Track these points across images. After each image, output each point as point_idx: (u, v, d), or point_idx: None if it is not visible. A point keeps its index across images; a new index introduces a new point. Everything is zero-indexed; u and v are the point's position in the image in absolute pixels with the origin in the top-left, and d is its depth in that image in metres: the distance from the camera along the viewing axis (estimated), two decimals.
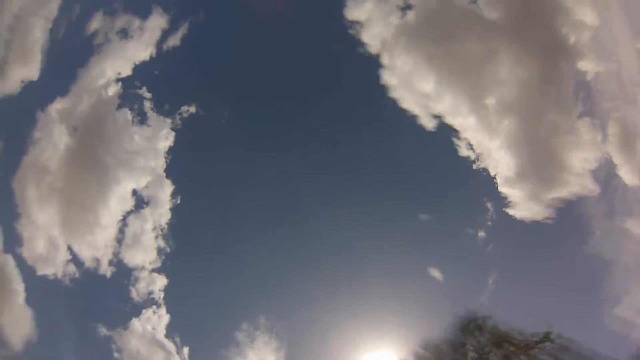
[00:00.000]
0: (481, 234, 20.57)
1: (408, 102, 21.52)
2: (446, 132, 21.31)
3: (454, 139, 21.01)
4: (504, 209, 20.32)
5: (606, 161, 19.78)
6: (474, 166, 20.87)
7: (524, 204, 20.26)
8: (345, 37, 22.14)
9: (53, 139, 22.41)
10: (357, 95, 22.73)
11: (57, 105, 22.47)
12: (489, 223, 20.61)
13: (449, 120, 21.28)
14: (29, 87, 22.33)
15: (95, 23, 22.23)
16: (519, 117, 21.05)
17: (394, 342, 17.14)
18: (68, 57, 22.91)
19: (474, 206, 21.36)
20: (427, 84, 21.70)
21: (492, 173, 20.95)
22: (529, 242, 20.30)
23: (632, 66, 20.38)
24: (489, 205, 20.94)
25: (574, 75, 20.81)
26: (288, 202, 22.11)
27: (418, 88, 21.80)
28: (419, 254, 20.56)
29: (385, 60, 21.84)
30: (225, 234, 22.88)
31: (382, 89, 21.60)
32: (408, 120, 21.37)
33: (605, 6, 20.80)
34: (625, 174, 19.58)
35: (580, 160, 20.25)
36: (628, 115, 20.33)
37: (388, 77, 21.69)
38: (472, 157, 20.99)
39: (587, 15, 20.93)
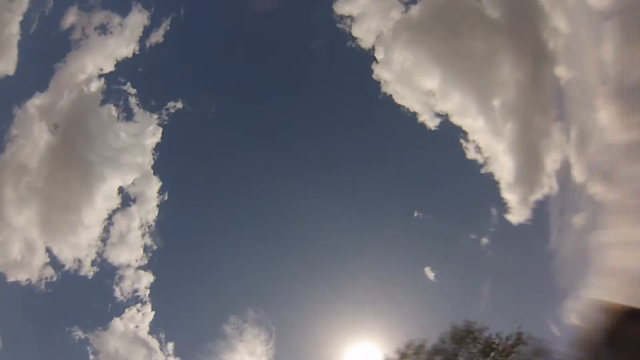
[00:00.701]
0: (484, 240, 20.89)
1: (408, 100, 21.31)
2: (449, 131, 21.25)
3: (462, 140, 20.97)
4: (504, 215, 20.71)
5: (566, 162, 20.66)
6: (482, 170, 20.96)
7: (517, 209, 20.81)
8: (339, 32, 22.14)
9: (32, 136, 21.30)
10: (352, 92, 22.94)
11: (36, 101, 21.20)
12: (492, 229, 21.06)
13: (456, 120, 21.22)
14: (5, 82, 20.89)
15: (71, 18, 21.11)
16: (518, 120, 21.48)
17: (384, 339, 18.17)
18: (44, 51, 21.39)
19: (477, 211, 21.83)
20: (431, 82, 21.41)
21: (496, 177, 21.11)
22: (520, 245, 21.19)
23: (593, 74, 20.94)
24: (492, 211, 21.18)
25: (553, 80, 21.35)
26: (276, 199, 22.49)
27: (419, 86, 21.57)
28: (414, 255, 21.37)
29: (380, 56, 21.67)
30: (213, 229, 23.35)
31: (378, 86, 21.57)
32: (408, 118, 21.33)
33: (575, 14, 21.19)
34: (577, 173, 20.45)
35: (551, 162, 21.08)
36: (585, 120, 21.18)
37: (384, 74, 21.49)
38: (480, 160, 21.05)
39: (561, 23, 21.40)
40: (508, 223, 20.66)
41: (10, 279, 20.92)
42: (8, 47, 20.57)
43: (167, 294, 22.59)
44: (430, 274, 20.96)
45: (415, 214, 21.76)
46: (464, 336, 13.45)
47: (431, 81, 21.65)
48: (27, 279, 20.97)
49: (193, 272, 23.07)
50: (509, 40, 21.98)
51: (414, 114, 21.43)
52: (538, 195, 20.80)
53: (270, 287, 22.04)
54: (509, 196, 21.00)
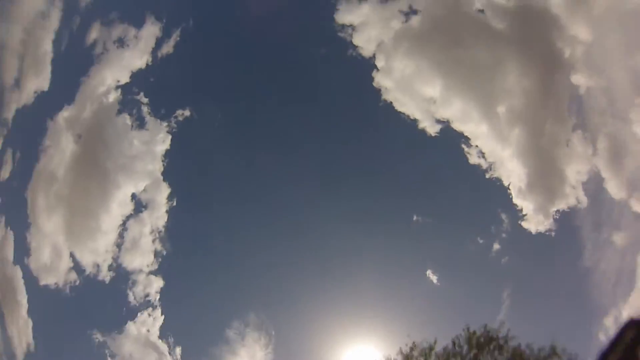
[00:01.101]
0: (496, 245, 20.31)
1: (409, 107, 21.25)
2: (451, 137, 21.04)
3: (464, 146, 20.65)
4: (519, 222, 20.08)
5: (595, 175, 19.82)
6: (487, 175, 20.50)
7: (535, 217, 20.07)
8: (340, 41, 22.32)
9: (61, 146, 22.54)
10: (352, 99, 23.06)
11: (65, 114, 22.69)
12: (504, 235, 20.41)
13: (457, 126, 21.01)
14: (41, 97, 22.54)
15: (94, 33, 22.74)
16: (527, 126, 20.93)
17: (386, 344, 17.02)
18: (72, 66, 23.34)
19: (485, 216, 21.28)
20: (432, 90, 21.44)
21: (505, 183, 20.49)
22: (539, 254, 20.41)
23: (623, 82, 20.47)
24: (503, 216, 20.62)
25: (569, 88, 20.87)
26: (282, 204, 22.48)
27: (420, 93, 21.56)
28: (414, 259, 20.90)
29: (381, 64, 21.73)
30: (219, 234, 23.31)
31: (378, 93, 21.57)
32: (408, 125, 21.18)
33: (599, 23, 20.86)
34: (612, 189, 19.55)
35: (574, 173, 20.21)
36: (616, 130, 20.37)
37: (384, 81, 21.47)
38: (484, 165, 20.61)
39: (581, 31, 21.09)
40: (524, 230, 19.96)
41: (42, 282, 21.64)
42: (43, 64, 22.52)
43: (176, 298, 22.62)
44: (432, 277, 20.37)
45: (415, 218, 21.37)
46: (484, 342, 11.91)
47: (432, 89, 21.80)
48: (55, 283, 21.61)
49: (200, 277, 23.17)
50: (515, 50, 21.99)
51: (415, 120, 21.45)
52: (561, 205, 19.91)
53: (272, 290, 21.86)
54: (523, 203, 20.27)
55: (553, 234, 19.75)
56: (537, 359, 11.59)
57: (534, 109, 21.33)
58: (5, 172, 22.20)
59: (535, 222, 19.90)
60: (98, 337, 21.09)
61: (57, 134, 22.61)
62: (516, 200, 20.44)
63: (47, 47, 22.37)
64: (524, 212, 20.15)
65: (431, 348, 12.29)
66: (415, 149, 22.44)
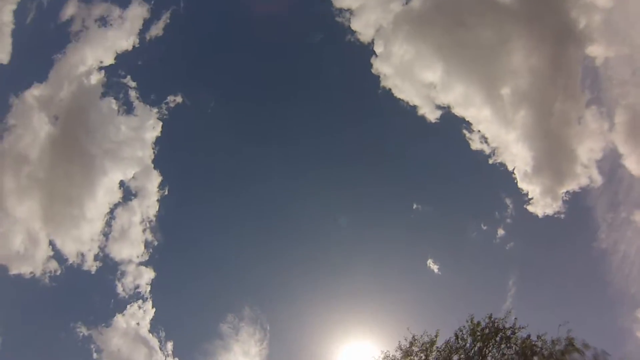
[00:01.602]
0: (500, 231, 19.78)
1: (408, 94, 20.75)
2: (453, 124, 20.49)
3: (465, 132, 20.11)
4: (524, 206, 19.42)
5: (611, 151, 18.91)
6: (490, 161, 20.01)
7: (541, 200, 19.28)
8: (338, 26, 21.71)
9: (32, 126, 21.03)
10: (350, 86, 22.27)
11: (35, 92, 21.14)
12: (509, 220, 19.87)
13: (458, 111, 20.31)
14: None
15: (70, 9, 21.40)
16: (534, 107, 19.98)
17: (384, 336, 16.21)
18: (41, 42, 21.91)
19: (488, 201, 20.84)
20: (432, 75, 20.73)
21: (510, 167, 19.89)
22: (546, 238, 19.66)
23: None
24: (507, 201, 20.11)
25: (584, 61, 19.79)
26: (276, 193, 21.89)
27: (420, 79, 20.87)
28: (415, 248, 20.47)
29: (380, 49, 21.10)
30: (213, 225, 22.69)
31: (377, 80, 20.98)
32: (407, 111, 20.75)
33: None
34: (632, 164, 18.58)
35: (587, 151, 19.32)
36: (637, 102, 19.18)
37: (383, 68, 20.98)
38: (487, 150, 20.02)
39: None
40: (530, 214, 19.15)
41: (13, 271, 20.31)
42: (1, 36, 20.75)
43: (168, 290, 21.93)
44: (433, 266, 19.77)
45: (415, 206, 20.85)
46: (489, 334, 10.64)
47: (432, 74, 20.94)
48: (31, 272, 20.36)
49: (193, 269, 22.44)
50: (523, 26, 20.67)
51: (414, 107, 20.75)
52: (571, 186, 18.99)
53: (267, 283, 21.26)
54: (529, 187, 19.45)
55: (562, 216, 18.94)
56: (551, 353, 10.26)
57: (541, 88, 20.20)
58: None
59: (543, 205, 19.09)
60: (82, 330, 20.06)
61: (25, 112, 21.25)
62: (521, 184, 19.67)
63: (7, 17, 20.94)
64: (529, 196, 19.40)
65: (432, 342, 11.10)
66: (415, 136, 21.86)
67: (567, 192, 19.07)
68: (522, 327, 10.66)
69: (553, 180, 19.30)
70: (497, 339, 10.63)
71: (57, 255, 20.67)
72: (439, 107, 20.54)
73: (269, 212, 22.07)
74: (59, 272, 20.54)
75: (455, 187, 21.22)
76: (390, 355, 11.33)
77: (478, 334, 10.74)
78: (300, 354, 19.74)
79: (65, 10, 21.45)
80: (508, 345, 10.64)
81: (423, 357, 10.88)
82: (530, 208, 19.28)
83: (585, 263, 19.03)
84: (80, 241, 20.94)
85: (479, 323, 10.89)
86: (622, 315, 16.90)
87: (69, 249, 20.80)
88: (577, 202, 19.01)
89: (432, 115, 20.59)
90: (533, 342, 10.51)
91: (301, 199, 21.28)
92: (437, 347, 10.94)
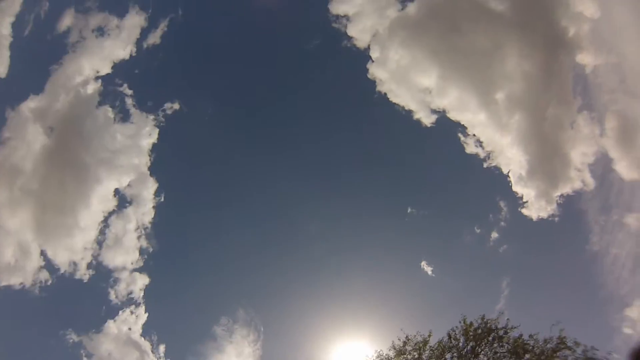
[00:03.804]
0: (494, 234, 20.02)
1: (403, 98, 20.88)
2: (448, 128, 20.71)
3: (460, 135, 20.29)
4: (518, 209, 19.66)
5: (602, 155, 19.23)
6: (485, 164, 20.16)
7: (536, 203, 19.57)
8: (334, 32, 21.85)
9: (26, 138, 20.98)
10: (346, 91, 22.49)
11: (30, 104, 21.27)
12: (503, 224, 20.07)
13: (453, 115, 20.55)
14: None
15: (67, 20, 21.55)
16: (528, 112, 20.35)
17: (378, 337, 16.30)
18: (39, 53, 22.07)
19: (482, 205, 20.97)
20: (427, 80, 20.97)
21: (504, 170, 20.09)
22: (540, 241, 19.92)
23: (635, 58, 19.57)
24: (502, 204, 20.33)
25: (574, 69, 20.22)
26: (274, 198, 21.95)
27: (415, 84, 21.06)
28: (409, 251, 20.58)
29: (376, 55, 21.30)
30: (207, 229, 22.65)
31: (373, 85, 21.14)
32: (403, 116, 20.91)
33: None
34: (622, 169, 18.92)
35: (579, 155, 19.65)
36: (627, 108, 19.55)
37: (379, 73, 21.13)
38: (482, 154, 20.22)
39: (588, 7, 20.24)
40: (524, 217, 19.37)
41: (3, 282, 20.09)
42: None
43: (161, 295, 21.83)
44: (427, 268, 19.88)
45: (409, 210, 21.02)
46: (482, 334, 10.65)
47: (428, 79, 21.23)
48: (21, 283, 20.14)
49: (187, 273, 22.47)
50: (516, 33, 21.14)
51: (410, 111, 20.98)
52: (565, 189, 19.25)
53: (261, 285, 21.33)
54: (523, 190, 19.72)
55: (556, 219, 19.16)
56: (542, 351, 10.29)
57: (535, 93, 20.63)
58: None
59: (537, 208, 19.34)
60: (72, 337, 19.91)
61: (20, 124, 21.29)
62: (516, 187, 19.91)
63: (4, 30, 21.08)
64: (524, 199, 19.61)
65: (425, 342, 11.11)
66: (411, 140, 22.10)
67: (561, 195, 19.40)
68: (515, 327, 10.74)
69: (547, 183, 19.64)
70: (490, 338, 10.64)
71: (48, 266, 20.56)
72: (434, 111, 20.93)
73: (264, 217, 22.18)
74: (49, 282, 20.41)
75: (450, 190, 21.50)
76: (384, 355, 11.39)
77: (471, 333, 10.79)
78: (294, 354, 19.82)
79: (62, 21, 21.67)
80: (500, 344, 10.69)
81: (416, 356, 10.97)
82: (524, 211, 19.52)
83: (578, 265, 19.45)
84: (73, 250, 20.86)
85: (471, 323, 10.94)
86: (612, 314, 17.19)
87: (61, 259, 20.71)
88: (570, 205, 19.34)
89: (428, 120, 20.93)
90: (525, 341, 10.54)
91: (296, 203, 21.38)
92: (430, 347, 10.97)
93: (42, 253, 20.61)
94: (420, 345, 10.99)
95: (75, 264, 20.55)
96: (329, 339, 18.46)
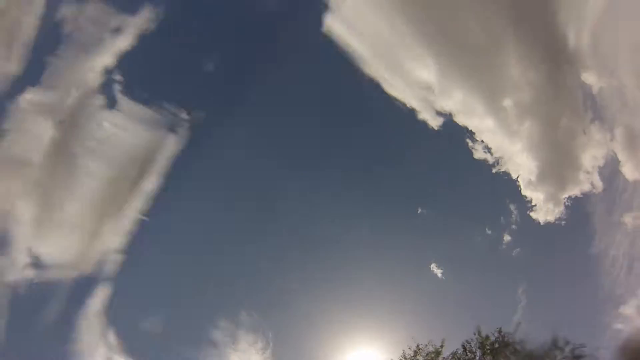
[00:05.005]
0: (506, 237, 19.79)
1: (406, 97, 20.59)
2: (457, 132, 20.41)
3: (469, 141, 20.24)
4: (528, 212, 19.75)
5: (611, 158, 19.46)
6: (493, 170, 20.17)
7: (544, 206, 19.65)
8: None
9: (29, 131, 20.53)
10: (355, 92, 21.60)
11: (27, 96, 20.20)
12: (514, 227, 19.89)
13: (461, 120, 20.31)
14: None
15: (66, 12, 20.53)
16: (538, 120, 20.38)
17: (391, 344, 15.37)
18: (46, 48, 21.36)
19: (493, 209, 20.61)
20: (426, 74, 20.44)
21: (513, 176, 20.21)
22: (549, 244, 19.60)
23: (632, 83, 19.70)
24: (512, 208, 20.16)
25: (582, 86, 20.00)
26: (277, 197, 21.20)
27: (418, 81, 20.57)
28: (419, 254, 19.89)
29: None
30: (207, 227, 21.74)
31: (376, 84, 20.46)
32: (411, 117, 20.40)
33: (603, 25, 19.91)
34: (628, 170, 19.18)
35: (590, 158, 19.84)
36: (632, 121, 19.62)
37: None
38: (490, 160, 20.20)
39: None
40: (533, 221, 19.51)
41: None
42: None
43: (156, 295, 20.59)
44: (437, 271, 19.51)
45: (419, 211, 20.61)
46: (500, 347, 10.21)
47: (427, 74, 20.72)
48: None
49: (184, 274, 21.15)
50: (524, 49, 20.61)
51: (413, 111, 20.59)
52: (574, 191, 19.51)
53: (267, 286, 20.09)
54: (533, 194, 19.95)
55: (563, 222, 19.31)
56: (540, 356, 9.96)
57: (544, 102, 20.64)
58: None
59: (545, 211, 19.52)
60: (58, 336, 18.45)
61: (19, 117, 20.45)
62: (525, 191, 20.01)
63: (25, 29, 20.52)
64: (533, 203, 19.75)
65: (438, 352, 10.60)
66: (416, 141, 21.53)
67: (569, 197, 19.56)
68: (528, 340, 10.28)
69: (556, 186, 19.80)
70: (507, 352, 10.21)
71: (36, 263, 19.49)
72: (439, 113, 20.62)
73: (270, 215, 21.47)
74: (35, 281, 19.31)
75: (459, 192, 21.10)
76: None
77: (487, 347, 10.32)
78: None
79: (61, 13, 20.98)
80: (515, 356, 10.24)
81: None
82: (533, 214, 19.65)
83: (582, 267, 19.21)
84: (63, 248, 19.91)
85: (487, 337, 10.47)
86: (619, 316, 16.75)
87: (51, 257, 19.68)
88: (578, 207, 19.45)
89: (435, 122, 20.62)
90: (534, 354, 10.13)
91: (307, 203, 20.96)
92: (444, 358, 10.51)
93: (30, 250, 19.66)
94: (433, 355, 10.54)
95: (63, 262, 19.59)
96: (340, 345, 17.93)
